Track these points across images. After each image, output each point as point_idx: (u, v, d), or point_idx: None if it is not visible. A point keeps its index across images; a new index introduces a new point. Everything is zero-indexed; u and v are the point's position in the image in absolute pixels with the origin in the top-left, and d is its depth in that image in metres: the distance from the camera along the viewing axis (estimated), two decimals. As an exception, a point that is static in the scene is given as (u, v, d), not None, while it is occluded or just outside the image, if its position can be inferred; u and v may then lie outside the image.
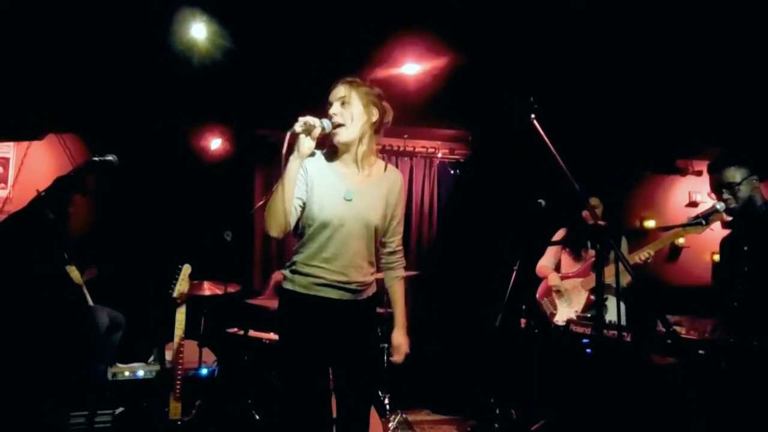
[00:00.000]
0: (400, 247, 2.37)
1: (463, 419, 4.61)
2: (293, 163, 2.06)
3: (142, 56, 3.88)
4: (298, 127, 2.02)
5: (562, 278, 4.02)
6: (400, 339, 2.31)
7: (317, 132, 2.07)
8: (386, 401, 3.88)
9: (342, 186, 2.17)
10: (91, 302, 3.72)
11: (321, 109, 2.21)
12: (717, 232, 3.10)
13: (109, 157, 2.31)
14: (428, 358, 5.04)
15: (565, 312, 3.87)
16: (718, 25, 3.50)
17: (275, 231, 2.12)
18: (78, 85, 4.15)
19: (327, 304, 2.16)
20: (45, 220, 3.62)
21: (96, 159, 2.30)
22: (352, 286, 2.18)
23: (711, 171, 2.73)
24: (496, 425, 3.98)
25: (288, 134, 2.01)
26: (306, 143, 2.06)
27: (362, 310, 2.24)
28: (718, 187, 2.69)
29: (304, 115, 2.07)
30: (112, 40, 3.71)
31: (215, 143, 4.98)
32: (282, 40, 3.80)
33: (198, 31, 3.56)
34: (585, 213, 4.00)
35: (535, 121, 2.24)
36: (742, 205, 2.63)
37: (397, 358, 2.31)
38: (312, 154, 2.17)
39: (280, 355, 2.36)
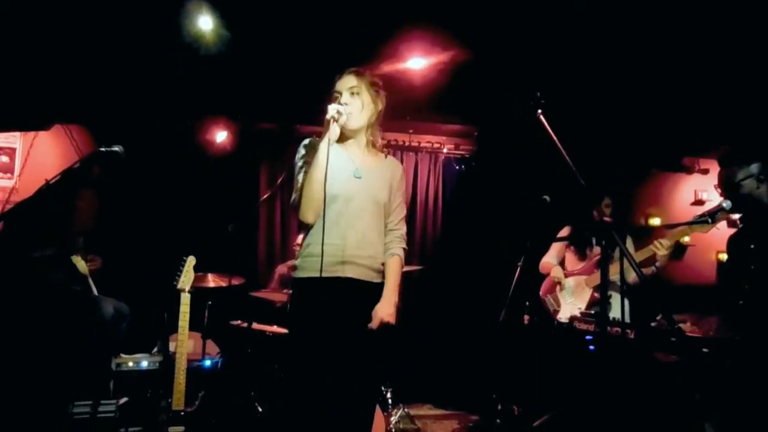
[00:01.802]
0: (400, 228, 2.37)
1: (465, 414, 4.62)
2: (324, 148, 2.17)
3: (148, 49, 3.88)
4: (334, 114, 2.18)
5: (567, 275, 4.00)
6: (378, 307, 2.22)
7: (343, 119, 2.23)
8: (389, 395, 3.89)
9: (351, 165, 2.30)
10: (96, 293, 3.73)
11: (327, 102, 2.27)
12: (722, 230, 3.08)
13: (116, 148, 2.30)
14: (431, 353, 5.05)
15: (568, 309, 3.86)
16: (724, 23, 3.48)
17: (312, 216, 2.21)
18: (84, 75, 4.16)
19: (344, 284, 2.19)
20: (48, 211, 3.64)
21: (103, 149, 2.29)
22: (368, 262, 2.23)
23: (721, 166, 2.73)
24: (498, 421, 3.98)
25: (326, 121, 2.18)
26: (336, 129, 2.22)
27: (378, 296, 2.25)
28: (726, 184, 2.67)
29: (315, 107, 2.24)
30: (119, 32, 3.71)
31: (220, 136, 4.98)
32: (287, 35, 3.79)
33: (204, 23, 3.56)
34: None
35: (541, 117, 2.24)
36: (749, 204, 2.62)
37: (372, 324, 2.20)
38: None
39: (290, 348, 2.33)
